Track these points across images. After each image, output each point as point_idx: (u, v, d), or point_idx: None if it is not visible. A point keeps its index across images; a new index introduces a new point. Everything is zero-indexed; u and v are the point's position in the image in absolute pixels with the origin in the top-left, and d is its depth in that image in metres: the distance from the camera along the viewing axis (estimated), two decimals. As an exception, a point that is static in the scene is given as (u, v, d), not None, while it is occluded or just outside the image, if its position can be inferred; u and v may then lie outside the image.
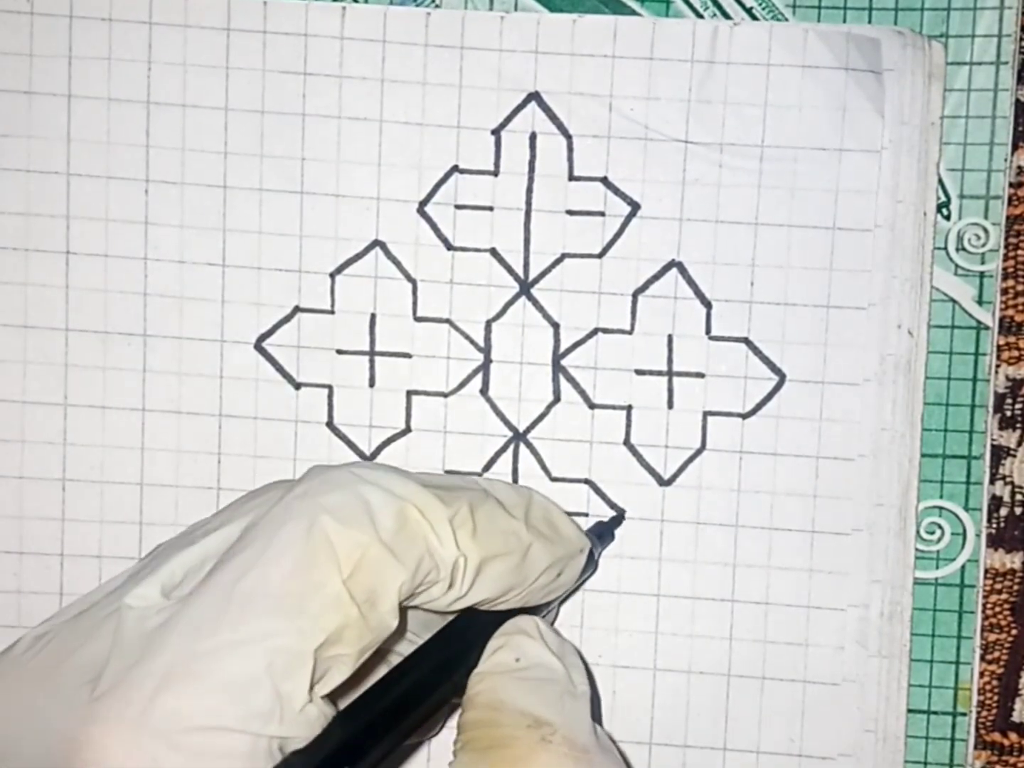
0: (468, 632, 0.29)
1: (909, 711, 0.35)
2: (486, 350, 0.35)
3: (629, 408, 0.35)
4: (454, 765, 0.26)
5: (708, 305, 0.34)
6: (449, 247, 0.35)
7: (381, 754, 0.26)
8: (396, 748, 0.26)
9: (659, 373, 0.35)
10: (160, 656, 0.24)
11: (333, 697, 0.26)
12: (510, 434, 0.35)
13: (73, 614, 0.26)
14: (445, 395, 0.35)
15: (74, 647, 0.25)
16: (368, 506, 0.26)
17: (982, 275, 0.34)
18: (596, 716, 0.28)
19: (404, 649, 0.29)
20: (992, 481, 0.35)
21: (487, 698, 0.27)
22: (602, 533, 0.34)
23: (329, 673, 0.25)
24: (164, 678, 0.23)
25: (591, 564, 0.34)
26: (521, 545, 0.28)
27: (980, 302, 0.34)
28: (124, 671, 0.24)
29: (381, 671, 0.29)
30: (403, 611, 0.27)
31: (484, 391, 0.35)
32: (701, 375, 0.34)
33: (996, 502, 0.35)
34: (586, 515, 0.35)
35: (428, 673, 0.27)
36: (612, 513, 0.35)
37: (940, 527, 0.35)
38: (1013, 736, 0.35)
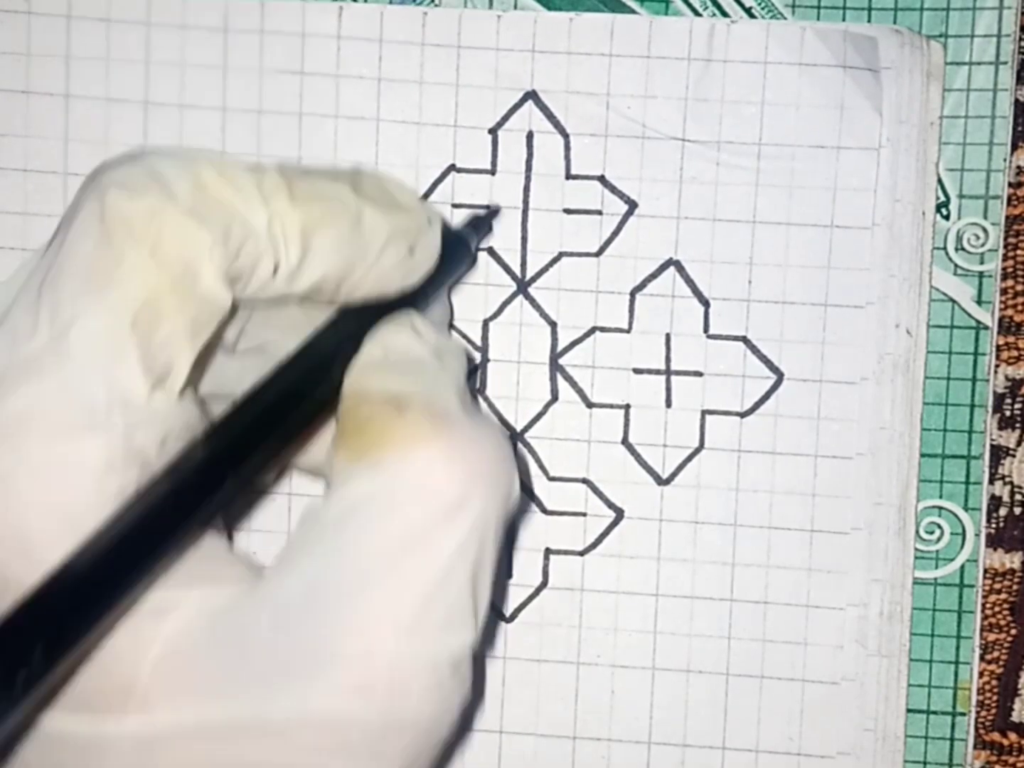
0: (341, 329, 0.27)
1: (908, 711, 0.35)
2: (483, 349, 0.35)
3: (627, 407, 0.35)
4: (332, 461, 0.25)
5: (706, 304, 0.34)
6: (447, 246, 0.34)
7: (264, 458, 0.25)
8: (281, 451, 0.26)
9: (657, 372, 0.34)
10: None
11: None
12: (507, 433, 0.35)
13: None
14: (443, 394, 0.35)
15: None
16: (160, 176, 0.24)
17: (981, 275, 0.34)
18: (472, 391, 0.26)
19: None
20: (991, 481, 0.35)
21: (352, 389, 0.26)
22: (478, 224, 0.33)
23: (174, 364, 0.24)
24: None
25: (467, 255, 0.32)
26: (348, 210, 0.26)
27: (979, 302, 0.34)
28: None
29: None
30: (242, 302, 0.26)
31: (481, 390, 0.35)
32: (699, 374, 0.34)
33: (995, 502, 0.35)
34: (584, 515, 0.35)
35: (305, 372, 0.26)
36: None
37: (939, 527, 0.35)
38: (1012, 736, 0.35)
